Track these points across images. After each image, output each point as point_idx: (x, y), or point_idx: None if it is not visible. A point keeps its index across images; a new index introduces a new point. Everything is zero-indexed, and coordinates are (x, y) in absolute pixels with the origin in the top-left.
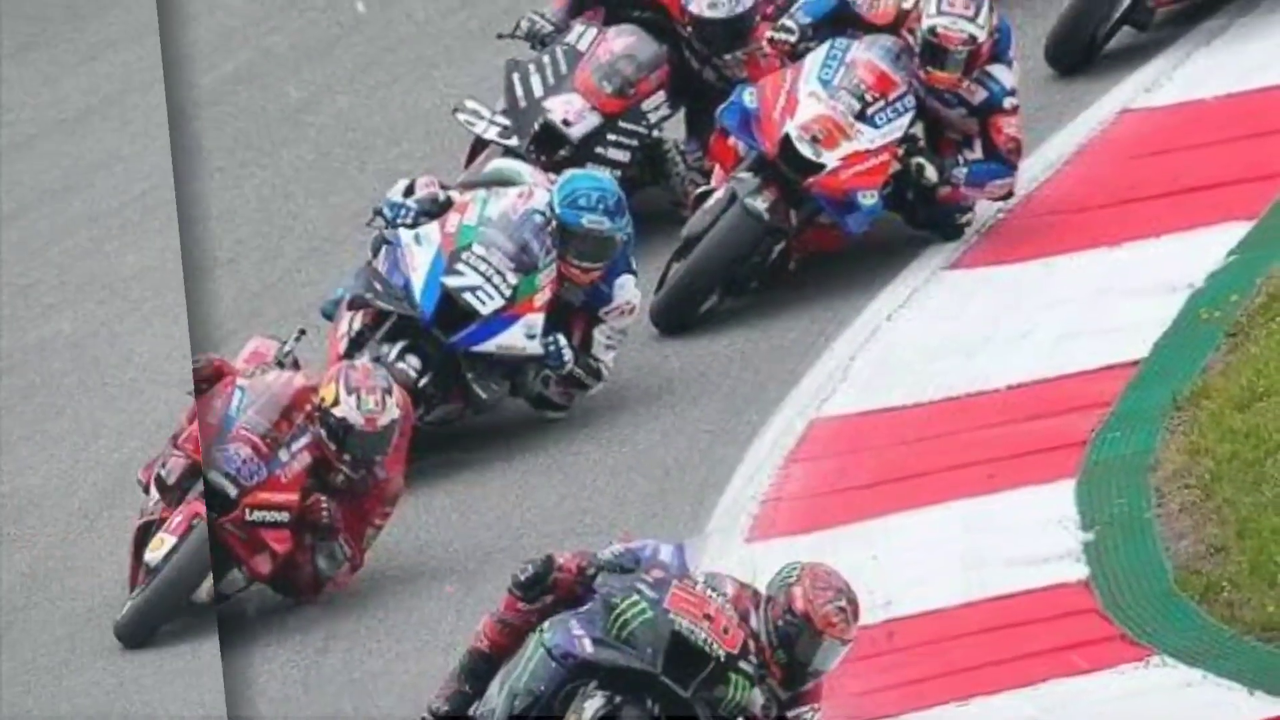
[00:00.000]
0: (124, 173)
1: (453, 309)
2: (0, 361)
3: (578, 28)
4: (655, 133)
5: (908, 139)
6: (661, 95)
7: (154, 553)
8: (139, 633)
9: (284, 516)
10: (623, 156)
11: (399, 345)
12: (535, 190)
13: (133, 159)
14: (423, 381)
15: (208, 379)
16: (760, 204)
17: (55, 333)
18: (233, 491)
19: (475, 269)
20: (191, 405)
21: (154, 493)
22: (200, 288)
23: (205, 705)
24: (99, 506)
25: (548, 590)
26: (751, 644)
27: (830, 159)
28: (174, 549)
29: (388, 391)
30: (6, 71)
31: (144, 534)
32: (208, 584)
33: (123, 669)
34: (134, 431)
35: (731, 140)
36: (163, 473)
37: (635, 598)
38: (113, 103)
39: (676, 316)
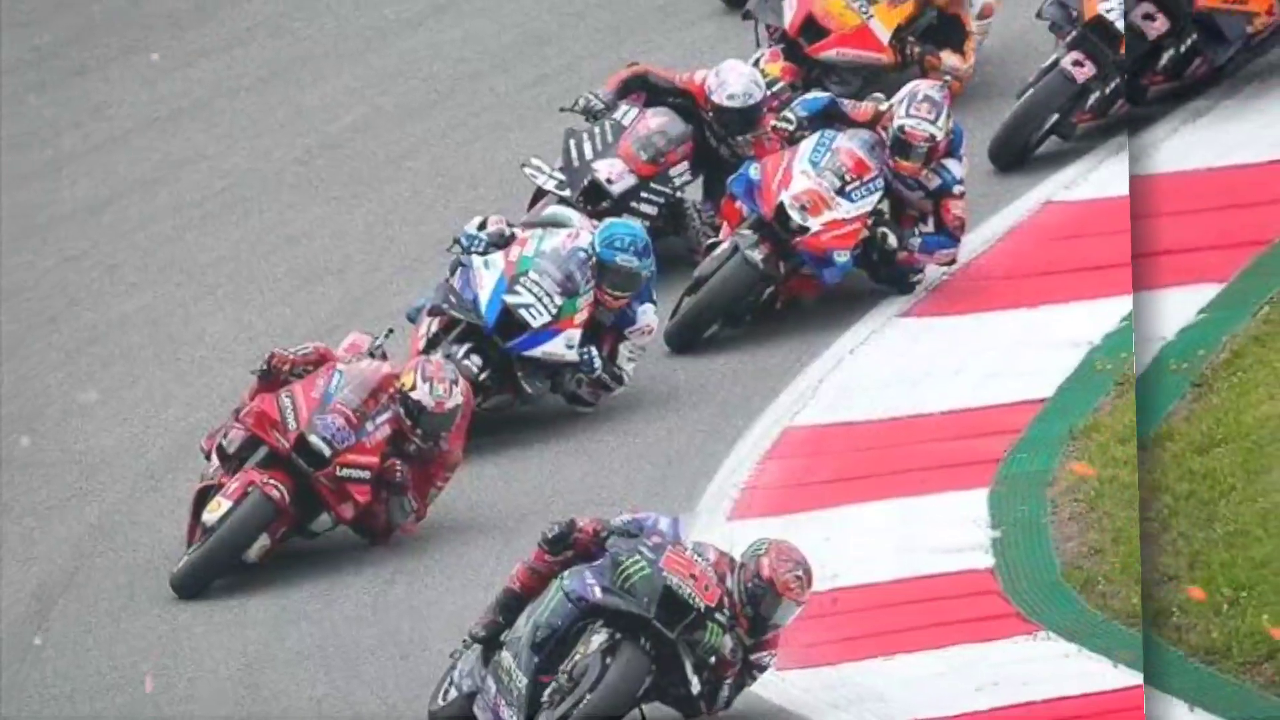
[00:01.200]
0: (208, 170)
1: (510, 321)
2: (84, 333)
3: (623, 107)
4: (678, 194)
5: (876, 212)
6: (685, 165)
7: (211, 514)
8: (193, 586)
9: (366, 474)
10: (651, 210)
11: (466, 346)
12: (581, 232)
13: (216, 158)
14: (482, 376)
15: (277, 368)
16: (756, 255)
17: (136, 309)
18: (327, 452)
19: (530, 290)
20: (254, 383)
21: (215, 460)
22: (314, 291)
23: (248, 655)
24: (164, 469)
25: (569, 546)
26: (726, 600)
27: (814, 224)
28: (229, 512)
29: (455, 382)
30: (112, 72)
31: (203, 496)
32: (257, 545)
33: (176, 617)
34: (200, 403)
35: (738, 204)
36: (224, 442)
37: (637, 557)
38: (202, 106)
39: (685, 340)
